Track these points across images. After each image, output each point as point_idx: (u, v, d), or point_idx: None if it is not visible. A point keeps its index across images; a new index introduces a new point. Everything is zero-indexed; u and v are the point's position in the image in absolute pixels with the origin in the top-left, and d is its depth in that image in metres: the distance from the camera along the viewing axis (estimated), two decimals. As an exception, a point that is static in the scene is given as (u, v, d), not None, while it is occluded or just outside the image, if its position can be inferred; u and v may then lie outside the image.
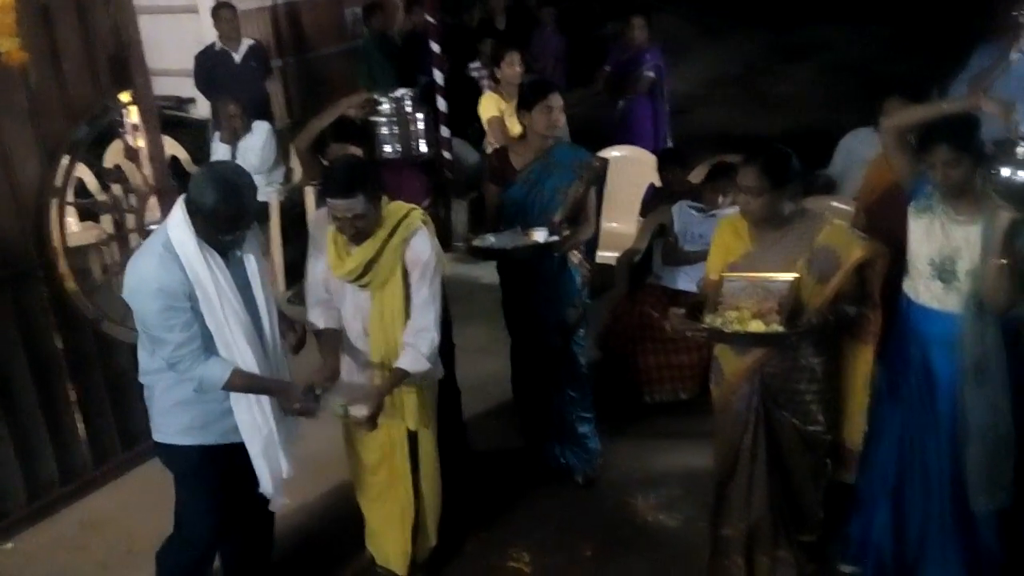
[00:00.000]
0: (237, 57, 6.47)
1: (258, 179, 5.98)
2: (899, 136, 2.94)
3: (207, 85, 6.63)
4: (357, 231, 2.91)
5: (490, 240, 3.58)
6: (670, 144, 6.42)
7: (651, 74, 6.36)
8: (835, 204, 4.36)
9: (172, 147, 6.81)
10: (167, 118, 7.90)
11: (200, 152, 6.87)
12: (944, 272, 2.79)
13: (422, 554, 3.38)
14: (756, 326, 2.89)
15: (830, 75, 10.45)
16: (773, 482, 3.15)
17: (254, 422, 2.83)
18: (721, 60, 11.54)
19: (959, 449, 2.86)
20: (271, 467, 2.89)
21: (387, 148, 3.85)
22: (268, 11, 8.10)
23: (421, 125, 3.94)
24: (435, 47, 5.78)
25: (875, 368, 3.07)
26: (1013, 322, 2.74)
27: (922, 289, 2.87)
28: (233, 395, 2.78)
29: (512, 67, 5.07)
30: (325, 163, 3.62)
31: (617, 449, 4.10)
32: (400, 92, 3.95)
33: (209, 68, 6.56)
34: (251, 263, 2.79)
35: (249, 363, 2.75)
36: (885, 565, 3.14)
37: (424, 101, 4.26)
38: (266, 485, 2.90)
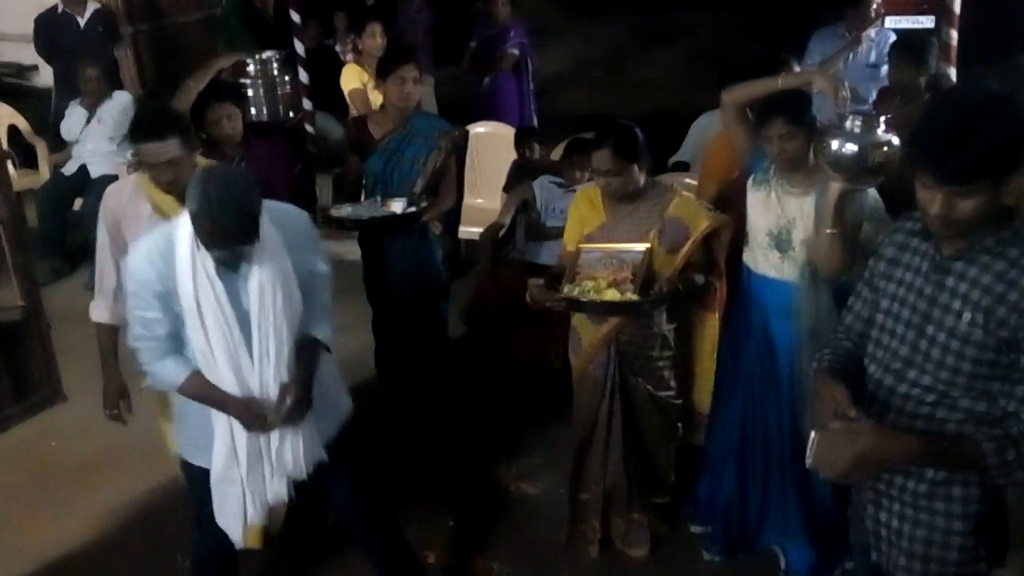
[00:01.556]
0: (82, 21, 6.12)
1: (109, 149, 5.75)
2: (738, 111, 3.08)
3: (48, 50, 6.25)
4: (170, 181, 2.73)
5: (347, 210, 3.54)
6: (535, 122, 6.48)
7: (515, 51, 6.40)
8: (687, 180, 4.52)
9: (11, 116, 6.43)
10: (6, 86, 7.43)
11: (42, 122, 6.49)
12: (781, 242, 2.93)
13: (275, 527, 3.32)
14: (611, 295, 2.98)
15: (690, 60, 10.80)
16: (628, 447, 3.27)
17: (223, 452, 2.56)
18: (587, 43, 11.73)
19: (798, 411, 3.04)
20: (230, 504, 2.61)
21: (254, 111, 3.74)
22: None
23: (288, 89, 3.84)
24: (295, 17, 5.61)
25: (720, 335, 3.22)
26: (844, 290, 2.92)
27: (761, 259, 3.01)
28: (213, 415, 2.53)
29: (373, 39, 5.01)
30: (203, 135, 3.48)
31: (482, 421, 4.14)
32: (267, 54, 3.84)
33: (51, 32, 6.19)
34: (254, 282, 2.40)
35: (227, 385, 2.48)
36: (732, 524, 3.29)
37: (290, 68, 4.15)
38: (220, 518, 2.64)
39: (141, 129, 2.74)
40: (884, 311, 2.09)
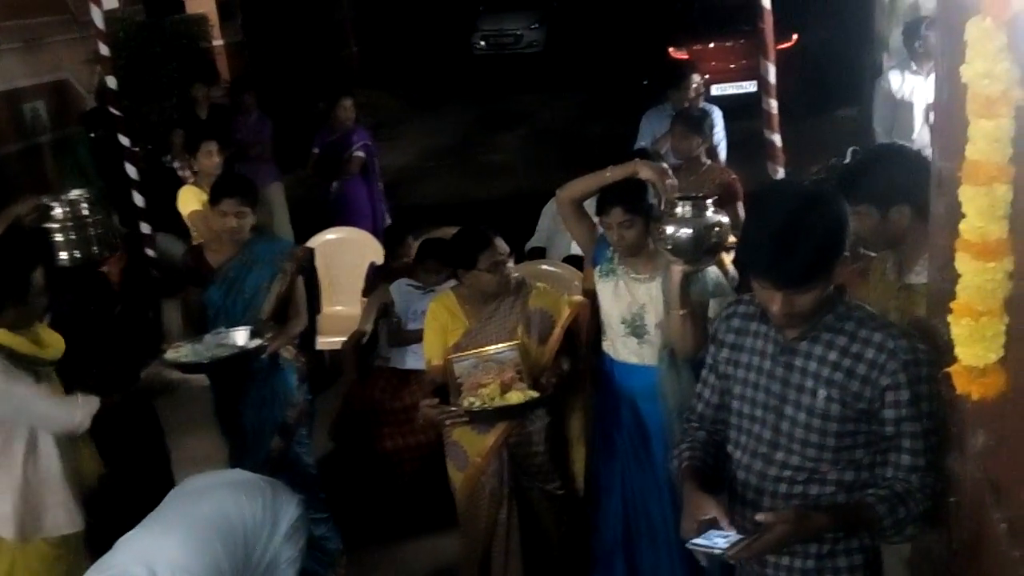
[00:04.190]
0: None
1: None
2: (574, 206, 3.12)
3: None
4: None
5: (186, 350, 3.33)
6: (388, 221, 6.44)
7: (360, 154, 6.37)
8: (545, 267, 4.56)
9: None
10: None
11: None
12: (636, 328, 2.96)
13: None
14: (516, 396, 2.92)
15: (535, 141, 11.11)
16: (527, 551, 3.18)
17: None
18: (433, 133, 11.91)
19: (677, 494, 3.02)
20: None
21: (64, 255, 3.50)
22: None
23: (100, 229, 3.62)
24: (124, 140, 5.43)
25: (589, 423, 3.21)
26: (702, 364, 2.95)
27: (620, 347, 3.03)
28: None
29: (210, 158, 4.85)
30: None
31: (363, 541, 3.95)
32: (75, 194, 3.63)
33: None
34: None
35: None
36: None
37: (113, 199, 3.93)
38: None
39: None
40: (739, 397, 2.11)
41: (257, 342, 3.36)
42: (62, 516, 2.84)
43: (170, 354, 3.35)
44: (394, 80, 13.78)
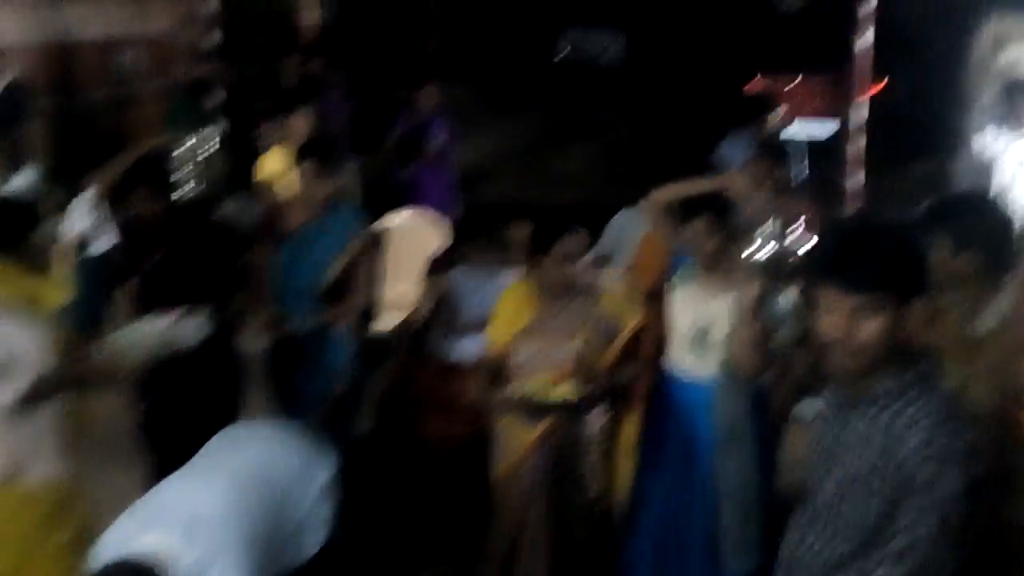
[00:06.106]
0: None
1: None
2: (662, 211, 3.12)
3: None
4: None
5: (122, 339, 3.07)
6: (457, 212, 6.49)
7: (439, 141, 6.44)
8: (609, 275, 4.55)
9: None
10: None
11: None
12: (701, 340, 2.96)
13: None
14: (563, 392, 2.91)
15: (606, 154, 11.10)
16: (555, 556, 3.16)
17: None
18: (506, 134, 11.96)
19: (719, 512, 3.00)
20: None
21: (187, 188, 3.63)
22: (26, 49, 7.50)
23: (222, 167, 3.75)
24: (220, 96, 5.56)
25: (639, 433, 3.19)
26: (761, 388, 2.94)
27: (682, 357, 3.02)
28: None
29: (298, 123, 4.96)
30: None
31: (393, 523, 3.95)
32: (207, 131, 3.77)
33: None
34: None
35: None
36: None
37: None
38: None
39: None
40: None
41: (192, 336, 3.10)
42: (42, 463, 2.84)
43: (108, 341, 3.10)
44: (473, 77, 13.87)
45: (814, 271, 1.88)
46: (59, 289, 2.91)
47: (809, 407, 2.71)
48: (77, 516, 2.97)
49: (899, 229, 1.81)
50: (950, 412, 1.77)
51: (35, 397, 2.72)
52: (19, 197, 3.88)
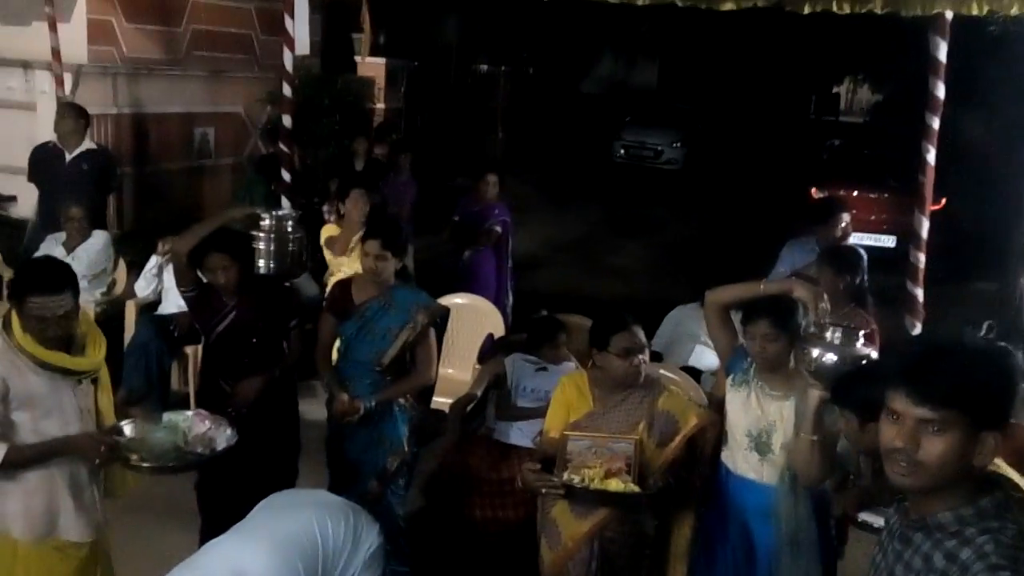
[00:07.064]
0: (67, 158, 6.22)
1: (82, 288, 5.67)
2: (721, 311, 3.13)
3: (38, 181, 6.35)
4: (59, 336, 2.72)
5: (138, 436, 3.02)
6: (511, 298, 6.56)
7: (498, 228, 6.57)
8: (664, 372, 4.54)
9: (-18, 246, 6.38)
10: (-18, 214, 7.43)
11: (14, 252, 6.45)
12: (760, 444, 2.92)
13: None
14: (615, 484, 2.89)
15: (660, 252, 11.17)
16: None
17: None
18: (562, 226, 12.12)
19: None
20: None
21: (262, 264, 3.76)
22: (111, 119, 7.89)
23: (298, 247, 3.89)
24: (286, 175, 5.74)
25: (695, 536, 3.13)
26: (824, 495, 2.89)
27: (740, 460, 2.98)
28: None
29: (356, 204, 5.17)
30: (199, 274, 3.59)
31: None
32: (284, 211, 3.93)
33: (40, 166, 6.31)
34: None
35: None
36: None
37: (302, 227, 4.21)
38: None
39: (35, 281, 2.69)
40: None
41: (224, 446, 3.12)
42: (70, 522, 2.87)
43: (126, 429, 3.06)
44: (533, 171, 14.19)
45: (886, 377, 1.79)
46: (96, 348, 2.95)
47: (874, 516, 2.67)
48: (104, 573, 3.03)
49: (986, 352, 1.80)
50: (1021, 547, 1.65)
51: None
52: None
